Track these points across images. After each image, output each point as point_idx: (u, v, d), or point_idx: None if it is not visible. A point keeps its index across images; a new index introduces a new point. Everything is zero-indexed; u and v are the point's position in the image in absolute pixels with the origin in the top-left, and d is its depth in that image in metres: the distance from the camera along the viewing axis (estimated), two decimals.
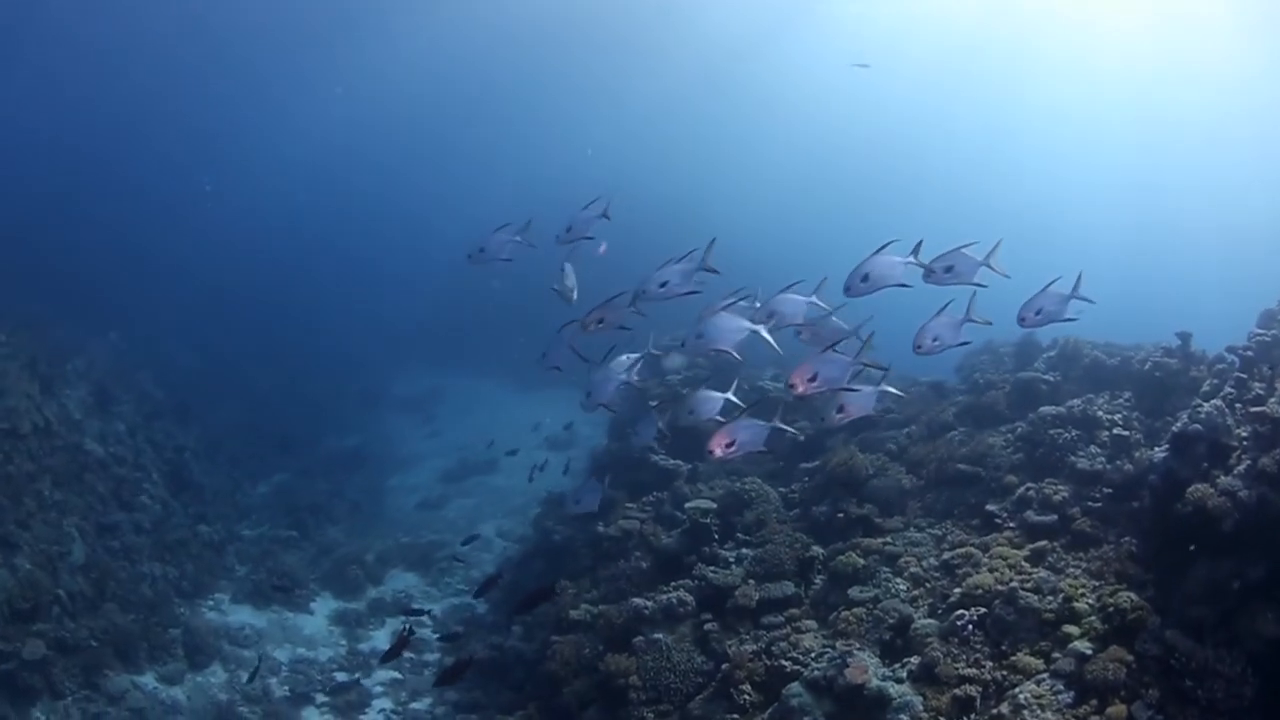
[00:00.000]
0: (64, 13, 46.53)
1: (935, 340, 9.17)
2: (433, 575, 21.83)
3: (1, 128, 46.50)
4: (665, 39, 48.28)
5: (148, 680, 16.34)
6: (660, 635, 12.73)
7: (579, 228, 10.19)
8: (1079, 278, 9.34)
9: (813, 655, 11.39)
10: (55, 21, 46.98)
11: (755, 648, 11.94)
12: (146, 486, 21.05)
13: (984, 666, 10.45)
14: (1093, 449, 13.15)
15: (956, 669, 10.46)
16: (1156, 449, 12.05)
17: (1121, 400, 13.93)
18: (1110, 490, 12.46)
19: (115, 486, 20.22)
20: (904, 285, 8.91)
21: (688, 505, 14.90)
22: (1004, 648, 10.61)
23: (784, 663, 11.42)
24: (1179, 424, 11.24)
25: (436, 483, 28.67)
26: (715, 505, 14.76)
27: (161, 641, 17.03)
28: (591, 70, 52.97)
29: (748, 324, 9.08)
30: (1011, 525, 12.64)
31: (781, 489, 15.37)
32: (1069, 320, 9.57)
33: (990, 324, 9.29)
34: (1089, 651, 9.92)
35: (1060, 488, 12.66)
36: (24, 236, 35.44)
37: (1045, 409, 13.94)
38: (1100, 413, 13.56)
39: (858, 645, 11.15)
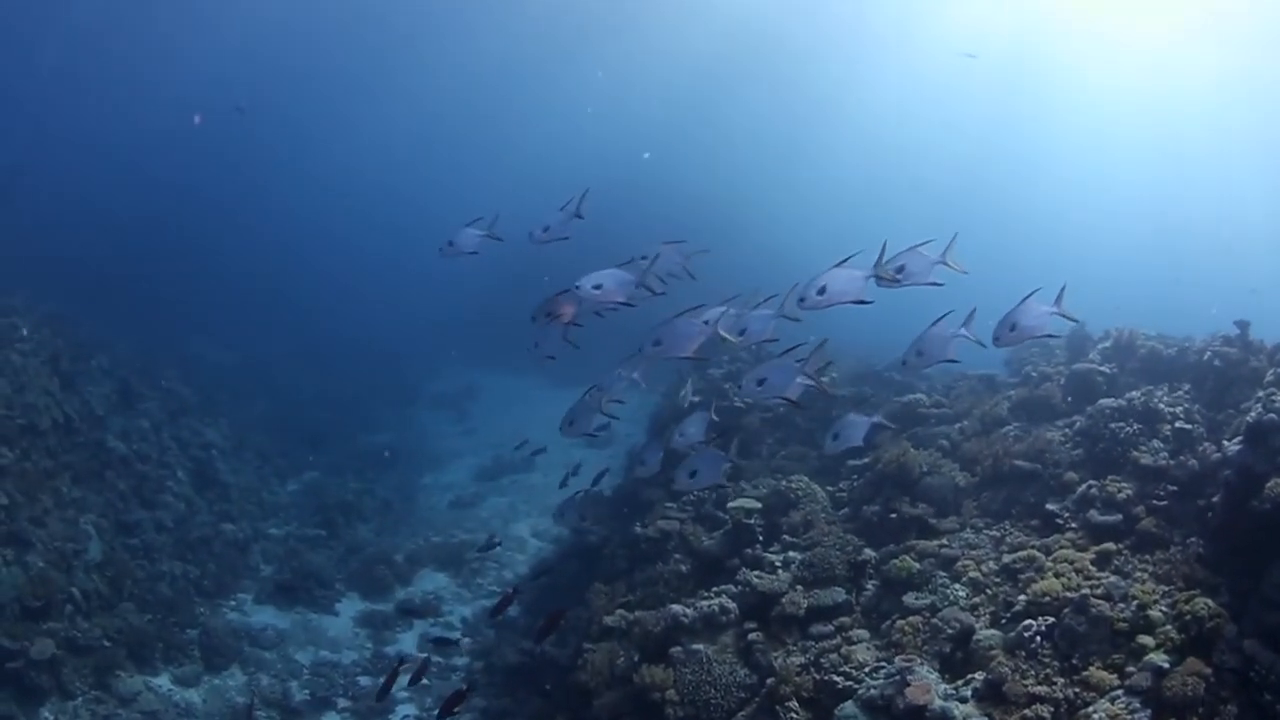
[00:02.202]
0: (90, 17, 46.71)
1: (920, 355, 8.80)
2: (464, 576, 21.16)
3: (26, 124, 46.56)
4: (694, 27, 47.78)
5: (162, 682, 15.87)
6: (700, 645, 11.81)
7: (555, 228, 10.04)
8: (1062, 289, 8.76)
9: (866, 670, 10.52)
10: (79, 26, 47.13)
11: (803, 660, 11.06)
12: (170, 484, 20.57)
13: (1055, 683, 9.60)
14: (1155, 443, 12.36)
15: (1025, 686, 9.60)
16: (1227, 442, 11.36)
17: (1181, 392, 13.15)
18: (1175, 488, 11.67)
19: (137, 484, 19.73)
20: (863, 302, 8.58)
21: (730, 505, 14.01)
22: (1074, 661, 9.75)
23: (835, 677, 10.55)
24: (1253, 415, 10.48)
25: (470, 481, 28.06)
26: (760, 505, 13.89)
27: (178, 642, 16.60)
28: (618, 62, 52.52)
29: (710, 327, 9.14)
30: (1074, 526, 11.84)
31: (829, 487, 14.53)
32: (1051, 336, 9.18)
33: (983, 345, 8.85)
34: (1166, 665, 9.12)
35: (1124, 485, 11.87)
36: (52, 233, 35.35)
37: (1104, 402, 13.16)
38: (1161, 405, 12.78)
39: (918, 660, 10.26)
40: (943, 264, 8.76)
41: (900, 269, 8.68)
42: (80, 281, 30.06)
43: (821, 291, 8.52)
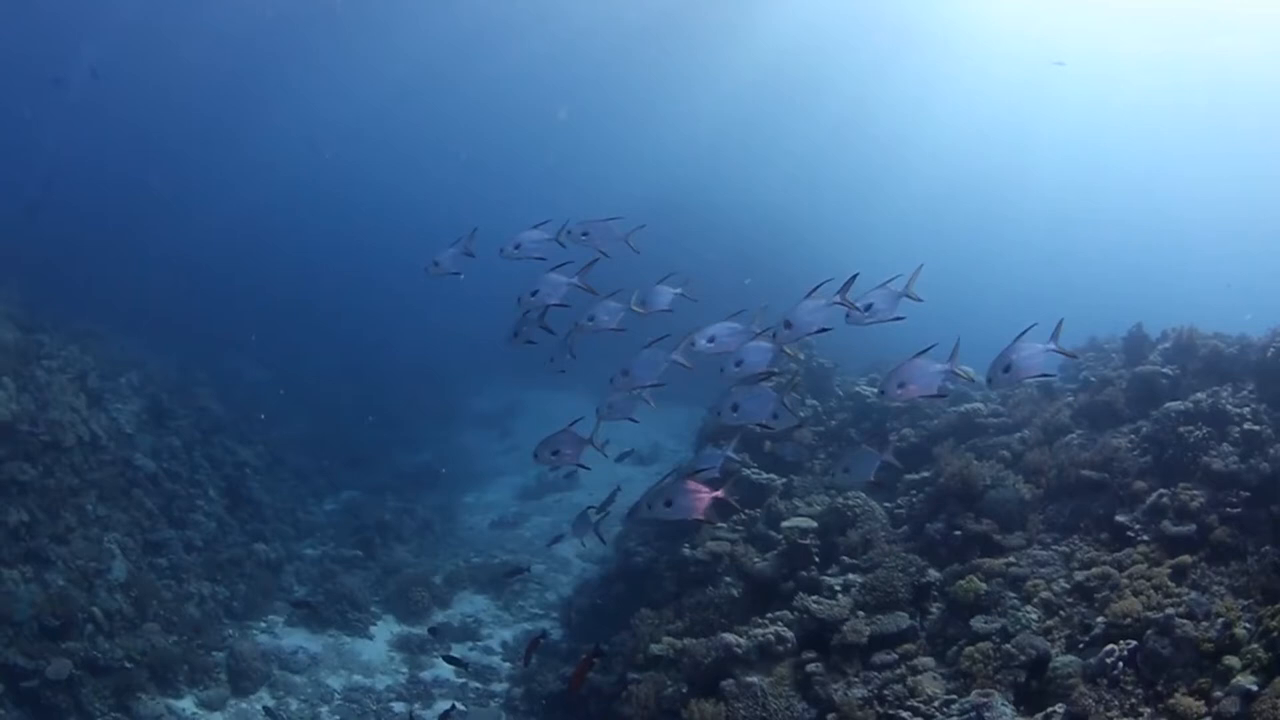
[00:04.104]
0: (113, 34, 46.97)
1: (901, 388, 8.82)
2: (505, 598, 20.42)
3: (57, 144, 46.79)
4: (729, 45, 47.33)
5: (186, 705, 15.33)
6: (755, 678, 10.98)
7: (528, 248, 10.29)
8: (1058, 325, 8.45)
9: (936, 704, 9.67)
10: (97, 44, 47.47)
11: (866, 693, 10.23)
12: (200, 503, 20.05)
13: (1141, 714, 8.76)
14: (1225, 447, 11.65)
15: (1110, 719, 8.72)
16: None
17: (1246, 392, 12.52)
18: (1247, 493, 10.98)
19: (166, 503, 19.24)
20: (825, 330, 8.87)
21: (784, 524, 13.25)
22: (1159, 688, 8.92)
23: (902, 712, 9.71)
24: None
25: (513, 500, 27.49)
26: (815, 524, 13.11)
27: (204, 665, 16.00)
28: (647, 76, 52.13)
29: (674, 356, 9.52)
30: (1145, 538, 11.12)
31: (887, 504, 13.78)
32: (1046, 376, 9.26)
33: (974, 379, 8.77)
34: (1254, 688, 8.32)
35: (1195, 493, 11.16)
36: (87, 251, 35.24)
37: (1170, 405, 12.51)
38: (1228, 406, 12.11)
39: (996, 694, 9.36)
40: (907, 296, 8.83)
41: (868, 307, 8.81)
42: (114, 299, 29.78)
43: (788, 325, 8.79)
